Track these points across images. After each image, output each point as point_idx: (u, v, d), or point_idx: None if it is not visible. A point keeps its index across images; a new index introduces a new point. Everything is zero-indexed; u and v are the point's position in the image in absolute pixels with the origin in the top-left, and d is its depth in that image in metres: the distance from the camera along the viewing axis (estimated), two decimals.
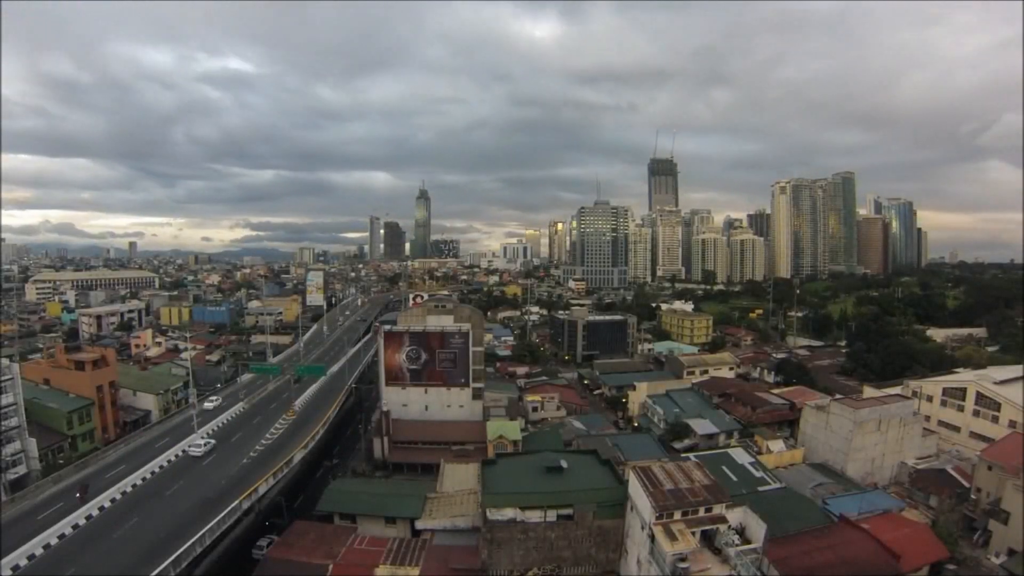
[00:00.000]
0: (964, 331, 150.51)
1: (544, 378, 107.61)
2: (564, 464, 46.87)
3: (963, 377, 73.27)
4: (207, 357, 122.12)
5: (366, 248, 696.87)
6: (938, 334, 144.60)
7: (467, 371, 75.98)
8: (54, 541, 40.19)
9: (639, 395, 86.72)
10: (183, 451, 59.59)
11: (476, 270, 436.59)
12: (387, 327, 79.45)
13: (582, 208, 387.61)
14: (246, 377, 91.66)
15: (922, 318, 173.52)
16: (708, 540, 35.70)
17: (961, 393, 67.91)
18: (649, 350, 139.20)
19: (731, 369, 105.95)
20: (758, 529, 35.90)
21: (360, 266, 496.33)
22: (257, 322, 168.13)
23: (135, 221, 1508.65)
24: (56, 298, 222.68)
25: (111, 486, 49.20)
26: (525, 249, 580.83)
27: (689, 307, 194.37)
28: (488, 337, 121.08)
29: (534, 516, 41.30)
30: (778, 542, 37.25)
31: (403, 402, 75.67)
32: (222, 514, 44.54)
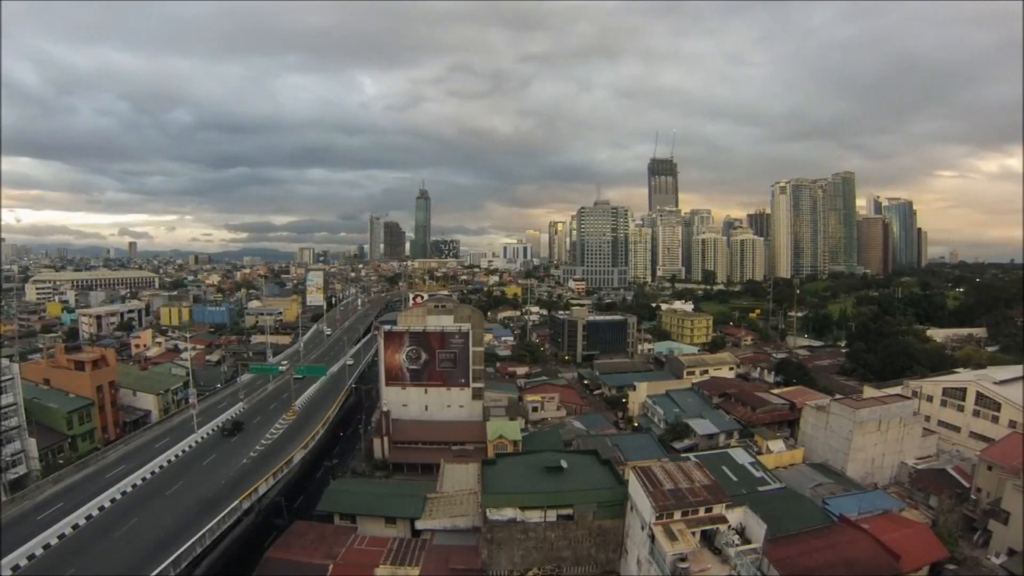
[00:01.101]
0: (964, 331, 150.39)
1: (544, 378, 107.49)
2: (564, 464, 46.85)
3: (963, 377, 73.18)
4: (207, 357, 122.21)
5: (366, 248, 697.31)
6: (938, 334, 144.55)
7: (467, 371, 75.96)
8: (54, 541, 40.18)
9: (639, 395, 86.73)
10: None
11: (476, 270, 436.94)
12: (387, 327, 79.44)
13: (582, 208, 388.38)
14: (246, 377, 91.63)
15: (922, 318, 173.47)
16: (708, 540, 35.74)
17: (961, 393, 67.84)
18: (649, 350, 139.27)
19: (731, 369, 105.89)
20: (758, 529, 35.95)
21: (360, 266, 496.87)
22: (257, 322, 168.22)
23: (98, 221, 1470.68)
24: (56, 298, 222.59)
25: (111, 486, 49.12)
26: (525, 249, 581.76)
27: (689, 307, 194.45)
28: (488, 337, 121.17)
29: (534, 516, 41.31)
30: (778, 542, 37.21)
31: (403, 402, 75.68)
32: (222, 514, 44.52)
